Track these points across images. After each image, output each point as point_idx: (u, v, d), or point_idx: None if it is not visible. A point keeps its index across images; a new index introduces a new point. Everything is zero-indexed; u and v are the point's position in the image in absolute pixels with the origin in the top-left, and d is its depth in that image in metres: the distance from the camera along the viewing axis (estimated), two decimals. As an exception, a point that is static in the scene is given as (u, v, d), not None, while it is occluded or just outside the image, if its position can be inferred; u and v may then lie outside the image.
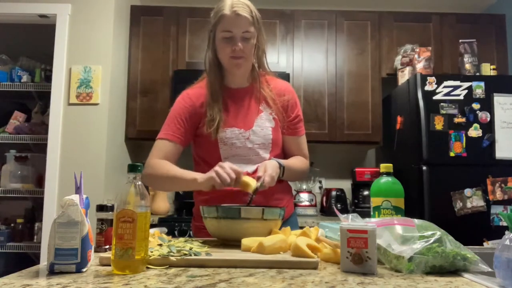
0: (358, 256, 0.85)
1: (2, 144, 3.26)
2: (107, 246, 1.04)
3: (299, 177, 1.55)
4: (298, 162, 1.49)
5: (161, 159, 1.40)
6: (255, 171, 1.40)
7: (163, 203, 3.03)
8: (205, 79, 1.50)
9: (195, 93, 1.47)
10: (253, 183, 1.25)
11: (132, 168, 0.87)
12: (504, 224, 2.39)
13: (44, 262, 0.89)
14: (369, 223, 0.92)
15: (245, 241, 1.03)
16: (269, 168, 1.31)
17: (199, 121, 1.45)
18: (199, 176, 1.29)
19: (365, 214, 1.17)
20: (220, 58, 1.42)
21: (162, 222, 2.73)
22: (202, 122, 1.43)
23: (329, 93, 3.14)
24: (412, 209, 2.27)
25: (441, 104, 2.54)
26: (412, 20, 3.22)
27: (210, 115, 1.41)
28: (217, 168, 1.24)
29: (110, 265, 0.85)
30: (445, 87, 2.56)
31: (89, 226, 0.89)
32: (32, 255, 3.15)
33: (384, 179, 1.18)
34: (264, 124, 1.44)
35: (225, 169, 1.22)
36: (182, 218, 2.80)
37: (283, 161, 1.40)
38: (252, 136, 1.43)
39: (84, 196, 0.92)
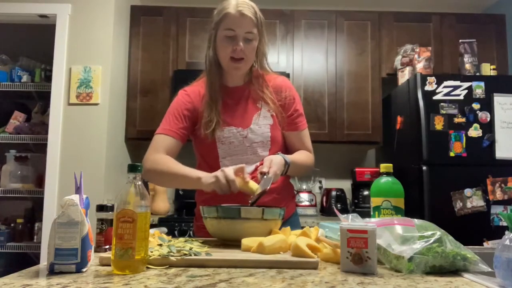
0: (358, 256, 0.85)
1: (2, 144, 3.25)
2: (107, 246, 1.03)
3: (304, 171, 1.53)
4: (303, 156, 1.47)
5: (162, 154, 1.38)
6: (254, 171, 1.40)
7: (163, 203, 3.03)
8: (204, 78, 1.49)
9: (193, 91, 1.47)
10: (255, 187, 1.24)
11: (132, 168, 0.87)
12: (504, 224, 2.39)
13: (44, 262, 0.89)
14: (369, 223, 0.92)
15: (245, 241, 1.03)
16: (274, 164, 1.28)
17: (196, 120, 1.44)
18: (203, 175, 1.27)
19: (365, 214, 1.17)
20: (220, 58, 1.41)
21: (162, 222, 2.73)
22: (199, 123, 1.43)
23: (329, 93, 3.14)
24: (412, 209, 2.27)
25: (441, 104, 2.54)
26: (412, 20, 3.22)
27: (207, 116, 1.40)
28: (218, 173, 1.21)
29: (110, 265, 0.85)
30: (445, 87, 2.56)
31: (89, 226, 0.89)
32: (32, 255, 3.15)
33: (384, 179, 1.17)
34: (262, 122, 1.43)
35: (227, 176, 1.19)
36: (182, 218, 2.80)
37: (289, 157, 1.37)
38: (250, 135, 1.42)
39: (84, 196, 0.92)
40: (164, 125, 1.43)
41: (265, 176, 1.25)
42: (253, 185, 1.24)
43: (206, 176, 1.26)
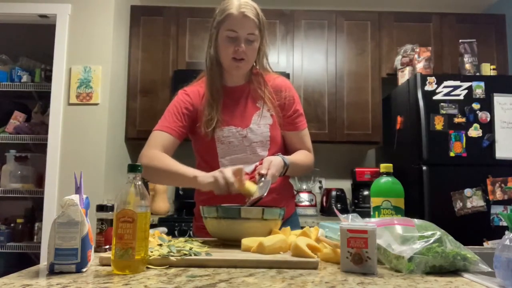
0: (358, 256, 0.85)
1: (2, 144, 3.25)
2: (107, 246, 1.03)
3: (304, 171, 1.53)
4: (302, 157, 1.47)
5: (159, 151, 1.37)
6: (253, 170, 1.40)
7: (163, 203, 3.03)
8: (204, 78, 1.49)
9: (193, 90, 1.47)
10: (252, 189, 1.24)
11: (132, 168, 0.87)
12: (504, 224, 2.39)
13: (44, 262, 0.89)
14: (369, 223, 0.92)
15: (245, 241, 1.03)
16: (273, 166, 1.28)
17: (196, 119, 1.44)
18: (200, 174, 1.27)
19: (365, 214, 1.17)
20: (221, 57, 1.41)
21: (162, 222, 2.73)
22: (200, 122, 1.43)
23: (329, 93, 3.14)
24: (412, 209, 2.27)
25: (441, 104, 2.54)
26: (412, 20, 3.22)
27: (208, 115, 1.40)
28: (217, 174, 1.21)
29: (110, 265, 0.85)
30: (445, 87, 2.56)
31: (89, 226, 0.89)
32: (32, 255, 3.15)
33: (384, 179, 1.17)
34: (261, 122, 1.43)
35: (226, 177, 1.19)
36: (182, 218, 2.80)
37: (288, 158, 1.37)
38: (249, 134, 1.42)
39: (84, 196, 0.92)
40: (162, 122, 1.43)
41: (263, 179, 1.25)
42: (251, 187, 1.24)
43: (203, 176, 1.26)
